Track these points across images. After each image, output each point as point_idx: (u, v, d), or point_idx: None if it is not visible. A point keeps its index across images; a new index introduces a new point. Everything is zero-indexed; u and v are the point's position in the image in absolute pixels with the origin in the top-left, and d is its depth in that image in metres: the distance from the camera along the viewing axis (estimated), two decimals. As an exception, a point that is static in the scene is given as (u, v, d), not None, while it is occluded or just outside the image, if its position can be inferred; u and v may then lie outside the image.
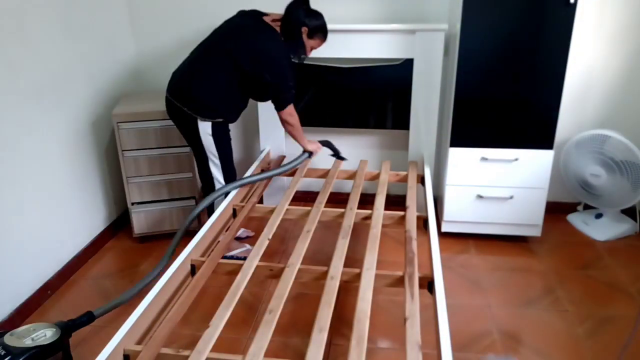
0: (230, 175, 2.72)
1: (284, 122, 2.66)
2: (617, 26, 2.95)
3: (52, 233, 2.64)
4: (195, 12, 3.30)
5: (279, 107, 2.59)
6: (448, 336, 1.54)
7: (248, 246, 2.92)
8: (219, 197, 2.58)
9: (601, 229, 3.07)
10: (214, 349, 1.53)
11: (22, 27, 2.38)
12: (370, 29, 2.99)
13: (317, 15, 2.56)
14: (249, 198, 2.61)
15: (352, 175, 2.97)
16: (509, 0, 2.56)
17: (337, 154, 3.05)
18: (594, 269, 2.76)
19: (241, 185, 2.65)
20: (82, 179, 2.88)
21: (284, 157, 3.25)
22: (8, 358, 1.73)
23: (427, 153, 3.15)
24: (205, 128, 2.52)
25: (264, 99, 2.72)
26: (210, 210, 2.68)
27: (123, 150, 2.89)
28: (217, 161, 2.63)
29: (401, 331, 2.27)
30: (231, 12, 3.26)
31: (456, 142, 2.85)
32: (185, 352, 1.50)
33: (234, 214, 2.52)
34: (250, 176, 2.72)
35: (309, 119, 3.31)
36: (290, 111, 2.61)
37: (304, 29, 2.51)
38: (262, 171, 2.88)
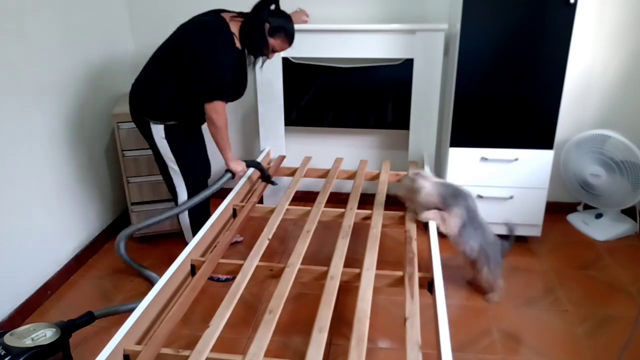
0: (194, 184, 2.61)
1: (207, 120, 2.40)
2: (617, 26, 2.95)
3: (52, 233, 2.64)
4: (195, 13, 3.29)
5: (206, 98, 2.35)
6: (448, 336, 1.54)
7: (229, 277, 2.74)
8: (174, 214, 2.52)
9: (601, 229, 3.07)
10: (213, 349, 1.53)
11: (22, 27, 2.38)
12: (370, 29, 2.99)
13: (283, 15, 2.46)
14: (249, 198, 2.61)
15: (352, 175, 2.97)
16: (509, 0, 2.56)
17: (266, 178, 2.77)
18: (594, 269, 2.75)
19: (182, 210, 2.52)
20: (82, 179, 2.88)
21: (284, 157, 3.25)
22: (8, 358, 1.73)
23: (427, 153, 3.15)
24: (158, 131, 2.43)
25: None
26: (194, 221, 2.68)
27: (123, 150, 2.89)
28: (176, 167, 2.53)
29: (401, 331, 2.27)
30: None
31: (456, 142, 2.85)
32: (185, 352, 1.50)
33: (234, 214, 2.52)
34: (187, 201, 2.52)
35: (309, 119, 3.31)
36: (217, 107, 2.36)
37: (266, 25, 2.39)
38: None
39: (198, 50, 2.28)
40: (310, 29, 3.03)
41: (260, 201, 3.29)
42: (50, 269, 2.63)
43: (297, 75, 3.19)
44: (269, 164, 3.22)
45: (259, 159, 3.10)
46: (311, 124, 3.33)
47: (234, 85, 2.47)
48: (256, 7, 2.40)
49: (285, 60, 3.15)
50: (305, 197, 3.54)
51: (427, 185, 2.31)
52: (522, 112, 2.74)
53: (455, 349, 2.18)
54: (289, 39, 2.48)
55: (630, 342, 2.20)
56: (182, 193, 2.59)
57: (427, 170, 2.46)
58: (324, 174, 2.99)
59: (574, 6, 2.52)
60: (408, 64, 3.06)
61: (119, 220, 3.26)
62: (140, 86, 2.44)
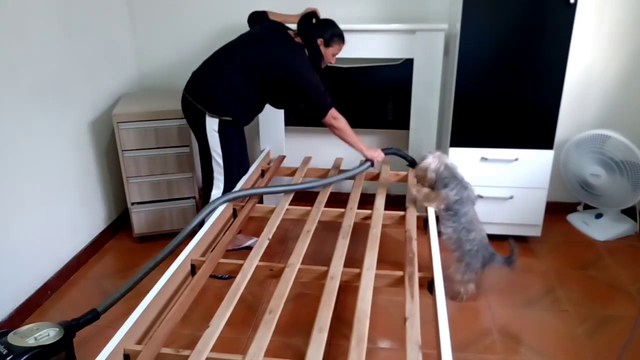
0: (232, 177, 2.71)
1: (330, 128, 2.62)
2: (617, 26, 2.95)
3: (52, 233, 2.64)
4: (196, 13, 3.30)
5: (319, 114, 2.57)
6: (448, 336, 1.54)
7: (255, 238, 2.89)
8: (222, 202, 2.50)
9: (601, 229, 3.08)
10: (214, 349, 1.53)
11: (22, 27, 2.38)
12: (370, 28, 3.00)
13: (328, 24, 2.65)
14: (249, 198, 2.61)
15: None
16: (509, 0, 2.56)
17: (411, 163, 2.79)
18: (594, 269, 2.76)
19: (247, 195, 2.54)
20: (82, 179, 2.88)
21: (284, 157, 3.25)
22: (10, 357, 1.73)
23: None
24: (212, 124, 2.54)
25: (291, 106, 2.89)
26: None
27: (123, 150, 2.89)
28: (220, 161, 2.64)
29: (401, 331, 2.26)
30: (232, 12, 3.28)
31: (456, 142, 2.85)
32: (185, 352, 1.50)
33: (234, 213, 2.52)
34: (276, 186, 2.61)
35: (309, 119, 3.31)
36: (334, 114, 2.57)
37: (320, 41, 2.61)
38: (303, 181, 2.70)
39: (294, 69, 2.52)
40: (311, 29, 3.03)
41: (260, 201, 3.30)
42: (50, 268, 2.63)
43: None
44: (268, 164, 3.22)
45: (259, 159, 3.10)
46: (311, 124, 3.33)
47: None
48: (302, 27, 2.63)
49: (285, 60, 3.15)
50: (305, 197, 3.53)
51: (431, 162, 2.42)
52: (522, 112, 2.74)
53: (455, 349, 2.18)
54: (342, 39, 2.69)
55: (630, 342, 2.20)
56: (219, 184, 2.69)
57: (447, 156, 2.53)
58: (324, 174, 2.99)
59: (574, 6, 2.52)
60: (408, 64, 3.06)
61: (119, 220, 3.26)
62: (207, 82, 2.55)
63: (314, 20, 2.66)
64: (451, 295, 2.48)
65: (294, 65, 2.52)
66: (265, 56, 2.52)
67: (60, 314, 2.47)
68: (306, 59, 2.58)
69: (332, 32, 2.63)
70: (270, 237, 2.18)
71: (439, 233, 2.32)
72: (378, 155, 2.72)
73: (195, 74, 2.61)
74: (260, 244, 2.11)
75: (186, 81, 2.62)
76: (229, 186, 2.70)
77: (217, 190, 2.70)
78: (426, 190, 2.44)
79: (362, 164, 2.71)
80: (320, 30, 2.63)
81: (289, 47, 2.58)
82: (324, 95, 2.55)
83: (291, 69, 2.52)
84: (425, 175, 2.43)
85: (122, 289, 2.13)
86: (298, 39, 2.63)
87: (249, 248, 2.80)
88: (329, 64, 2.74)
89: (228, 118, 2.56)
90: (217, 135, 2.57)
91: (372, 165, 2.73)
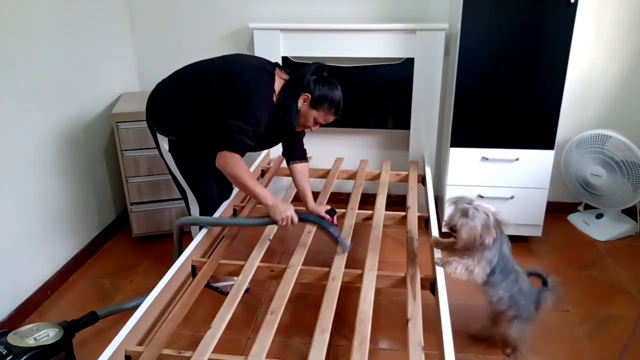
0: (206, 202, 2.40)
1: (221, 169, 2.06)
2: (618, 26, 2.95)
3: (51, 233, 2.63)
4: (195, 12, 3.29)
5: (220, 146, 2.04)
6: (451, 337, 1.54)
7: (232, 281, 2.48)
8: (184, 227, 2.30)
9: (602, 229, 3.07)
10: (215, 350, 1.52)
11: (22, 27, 2.37)
12: (370, 28, 2.99)
13: (329, 83, 2.16)
14: (250, 198, 2.61)
15: (352, 176, 2.96)
16: (510, 0, 2.55)
17: (335, 239, 2.12)
18: (595, 269, 2.75)
19: (206, 224, 2.29)
20: (82, 179, 2.87)
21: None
22: (10, 357, 1.72)
23: (428, 153, 3.15)
24: (162, 142, 2.26)
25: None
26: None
27: (122, 150, 2.88)
28: (183, 182, 2.34)
29: (402, 332, 2.26)
30: (232, 12, 3.26)
31: (457, 142, 2.84)
32: (187, 353, 1.50)
33: (235, 214, 2.51)
34: (217, 219, 2.32)
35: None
36: (228, 159, 2.01)
37: (305, 96, 2.12)
38: (234, 214, 2.52)
39: (242, 85, 2.07)
40: (311, 28, 3.03)
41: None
42: (49, 268, 2.62)
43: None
44: (268, 164, 3.21)
45: (259, 159, 3.09)
46: (311, 124, 3.33)
47: (260, 139, 2.15)
48: (299, 73, 2.14)
49: (285, 60, 3.15)
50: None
51: (477, 225, 1.85)
52: (522, 112, 2.74)
53: (456, 349, 2.16)
54: (335, 109, 2.18)
55: (630, 342, 2.19)
56: (195, 210, 2.42)
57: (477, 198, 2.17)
58: (325, 174, 2.98)
59: (574, 6, 2.52)
60: (409, 63, 3.05)
61: (119, 220, 3.26)
62: (157, 98, 2.25)
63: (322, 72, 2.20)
64: (511, 352, 2.15)
65: (243, 81, 2.08)
66: (218, 67, 2.16)
67: (60, 314, 2.46)
68: (269, 95, 2.09)
69: (327, 95, 2.12)
70: (271, 237, 2.18)
71: (489, 298, 2.02)
72: (286, 218, 2.06)
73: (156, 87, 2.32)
74: (262, 245, 2.11)
75: None
76: (206, 210, 2.40)
77: (195, 208, 2.42)
78: (464, 262, 1.92)
79: (264, 217, 2.14)
80: (317, 84, 2.12)
81: (255, 71, 2.13)
82: (244, 134, 2.01)
83: (238, 83, 2.07)
84: (468, 239, 1.87)
85: (126, 305, 2.14)
86: (281, 77, 2.18)
87: (223, 292, 2.54)
88: (305, 129, 2.28)
89: (172, 138, 2.23)
90: (170, 155, 2.26)
91: (275, 223, 2.10)
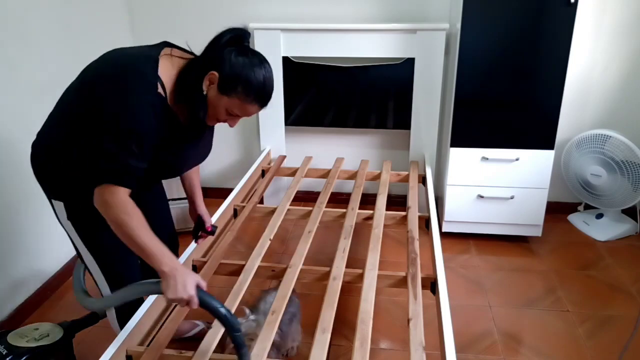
0: (118, 281, 1.71)
1: (100, 209, 1.42)
2: (618, 26, 2.95)
3: (52, 233, 2.63)
4: (196, 13, 3.29)
5: (96, 179, 1.41)
6: (452, 337, 1.54)
7: (201, 324, 2.28)
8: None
9: (602, 229, 3.07)
10: (216, 350, 1.52)
11: (22, 27, 2.37)
12: (371, 28, 2.99)
13: (248, 57, 1.46)
14: (250, 198, 2.61)
15: (352, 176, 2.96)
16: (510, 0, 2.56)
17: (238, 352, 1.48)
18: (595, 269, 2.76)
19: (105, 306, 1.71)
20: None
21: (284, 157, 3.24)
22: (10, 357, 1.72)
23: (428, 153, 3.15)
24: (59, 209, 1.64)
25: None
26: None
27: (123, 150, 2.87)
28: (93, 262, 1.71)
29: (402, 332, 2.27)
30: (232, 12, 3.26)
31: (457, 142, 2.84)
32: (188, 353, 1.50)
33: (235, 214, 2.51)
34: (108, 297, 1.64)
35: (310, 119, 3.31)
36: (108, 196, 1.39)
37: (213, 75, 1.44)
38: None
39: (102, 101, 1.42)
40: (312, 28, 3.03)
41: (261, 201, 3.29)
42: (50, 268, 2.62)
43: (297, 74, 3.19)
44: (269, 164, 3.22)
45: (259, 159, 3.08)
46: (311, 124, 3.33)
47: (159, 156, 1.50)
48: (210, 48, 1.51)
49: (285, 60, 3.15)
50: (305, 197, 3.53)
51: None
52: (522, 112, 2.74)
53: (456, 349, 2.18)
54: (256, 95, 1.47)
55: (630, 342, 2.20)
56: (105, 289, 1.76)
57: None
58: (325, 174, 2.99)
59: (574, 6, 2.52)
60: (409, 63, 3.05)
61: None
62: (35, 147, 1.64)
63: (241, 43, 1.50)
64: None
65: (106, 80, 1.45)
66: (88, 71, 1.58)
67: (60, 314, 2.46)
68: (149, 85, 1.42)
69: (242, 74, 1.43)
70: (271, 237, 2.18)
71: None
72: (181, 300, 1.38)
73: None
74: (262, 245, 2.11)
75: None
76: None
77: (105, 290, 1.77)
78: None
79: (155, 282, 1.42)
80: (228, 57, 1.44)
81: (121, 61, 1.53)
82: (128, 156, 1.38)
83: (97, 88, 1.46)
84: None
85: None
86: (181, 57, 1.57)
87: (194, 338, 2.21)
88: (218, 122, 1.57)
89: (67, 200, 1.62)
90: (70, 223, 1.64)
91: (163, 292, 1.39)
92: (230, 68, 1.43)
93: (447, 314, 1.63)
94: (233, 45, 1.46)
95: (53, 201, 1.63)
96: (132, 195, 1.42)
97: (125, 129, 1.36)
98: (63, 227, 1.69)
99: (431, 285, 1.90)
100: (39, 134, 1.63)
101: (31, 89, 2.45)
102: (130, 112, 1.37)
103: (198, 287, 1.39)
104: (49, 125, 1.61)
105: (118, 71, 1.45)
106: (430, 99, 3.07)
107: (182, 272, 1.37)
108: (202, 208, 1.94)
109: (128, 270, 1.73)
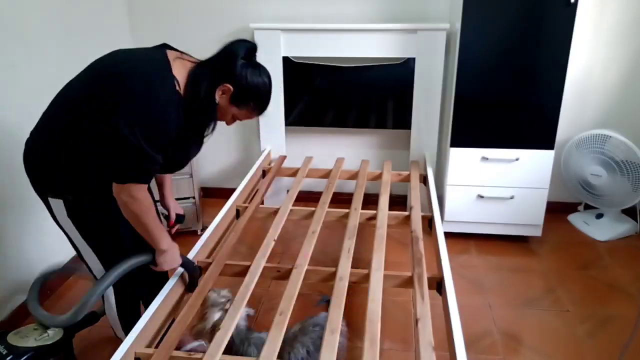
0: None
1: (120, 204, 1.56)
2: (618, 26, 2.96)
3: (52, 233, 2.61)
4: (196, 13, 3.27)
5: (118, 178, 1.52)
6: (461, 337, 1.55)
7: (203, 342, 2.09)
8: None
9: (602, 229, 3.09)
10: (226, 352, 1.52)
11: (22, 27, 2.35)
12: (371, 28, 2.99)
13: (258, 74, 1.64)
14: (252, 199, 2.60)
15: (353, 176, 2.96)
16: (509, 0, 2.56)
17: (191, 284, 1.90)
18: (595, 269, 2.77)
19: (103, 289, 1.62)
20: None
21: (284, 157, 3.24)
22: (10, 357, 1.71)
23: (429, 153, 3.15)
24: (58, 208, 1.67)
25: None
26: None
27: (123, 150, 2.86)
28: (92, 255, 1.78)
29: (407, 332, 2.27)
30: (233, 12, 3.25)
31: (457, 142, 2.85)
32: (197, 355, 1.49)
33: (237, 215, 2.50)
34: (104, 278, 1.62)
35: (310, 119, 3.30)
36: (135, 192, 1.53)
37: (226, 87, 1.57)
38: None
39: (125, 100, 1.46)
40: (312, 28, 3.03)
41: (261, 202, 3.28)
42: (49, 269, 2.60)
43: (297, 74, 3.19)
44: (269, 164, 3.21)
45: (260, 160, 3.08)
46: (312, 124, 3.33)
47: (169, 152, 1.58)
48: (223, 58, 1.61)
49: (285, 60, 3.14)
50: (306, 198, 3.52)
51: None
52: (522, 112, 2.75)
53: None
54: (261, 107, 1.70)
55: (630, 342, 2.21)
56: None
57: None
58: (326, 175, 2.98)
59: (574, 6, 2.53)
60: (409, 63, 3.06)
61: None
62: (31, 148, 1.65)
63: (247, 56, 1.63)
64: None
65: (131, 79, 1.50)
66: (101, 84, 1.54)
67: (60, 314, 2.43)
68: (170, 86, 1.51)
69: (256, 91, 1.62)
70: (276, 238, 2.17)
71: None
72: (174, 263, 1.74)
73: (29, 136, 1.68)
74: (267, 245, 2.10)
75: None
76: (121, 286, 1.86)
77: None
78: None
79: (146, 255, 1.70)
80: (244, 73, 1.58)
81: (142, 61, 1.60)
82: (148, 161, 1.50)
83: (124, 86, 1.48)
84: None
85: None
86: (185, 60, 1.64)
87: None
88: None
89: (68, 197, 1.66)
90: (69, 221, 1.69)
91: (154, 264, 1.71)
92: (247, 85, 1.58)
93: (455, 314, 1.64)
94: (245, 58, 1.59)
95: (50, 200, 1.66)
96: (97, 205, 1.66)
97: (156, 126, 1.47)
98: (60, 225, 1.72)
99: (437, 285, 1.90)
100: (36, 132, 1.65)
101: (31, 88, 2.43)
102: (160, 111, 1.47)
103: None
104: (49, 123, 1.63)
105: (139, 71, 1.52)
106: (431, 99, 3.08)
107: (173, 248, 1.71)
108: (169, 201, 2.03)
109: (126, 251, 1.73)
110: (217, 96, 1.58)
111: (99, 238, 1.75)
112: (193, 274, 1.86)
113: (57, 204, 1.66)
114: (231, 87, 1.57)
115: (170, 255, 1.70)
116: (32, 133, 1.66)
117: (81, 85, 1.59)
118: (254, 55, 1.65)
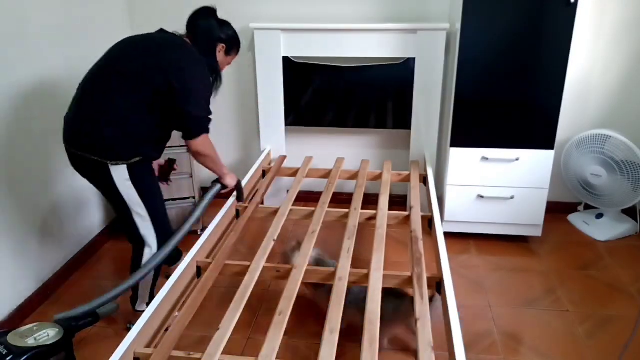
0: (164, 231, 2.17)
1: (195, 154, 2.11)
2: (618, 26, 2.96)
3: (51, 232, 2.61)
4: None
5: (191, 135, 2.02)
6: (460, 337, 1.55)
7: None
8: (155, 266, 2.01)
9: (602, 229, 3.09)
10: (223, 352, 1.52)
11: (22, 27, 2.35)
12: (371, 28, 2.99)
13: (229, 26, 2.24)
14: (251, 199, 2.60)
15: (353, 176, 2.96)
16: (509, 0, 2.56)
17: (239, 198, 2.51)
18: (595, 269, 2.77)
19: (177, 243, 2.07)
20: (82, 179, 2.85)
21: (284, 157, 3.24)
22: (10, 357, 1.71)
23: (429, 153, 3.15)
24: (120, 174, 1.97)
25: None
26: (156, 274, 2.27)
27: (123, 150, 2.86)
28: (145, 213, 2.08)
29: (405, 331, 2.26)
30: (233, 12, 3.25)
31: (457, 142, 2.85)
32: (197, 355, 1.49)
33: (237, 214, 2.51)
34: (181, 229, 2.10)
35: (310, 119, 3.30)
36: (204, 141, 2.05)
37: (221, 47, 2.20)
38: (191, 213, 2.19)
39: (191, 82, 1.96)
40: (312, 28, 3.03)
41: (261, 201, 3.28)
42: (50, 269, 2.61)
43: (297, 75, 3.19)
44: (269, 164, 3.21)
45: (260, 160, 3.08)
46: (312, 124, 3.33)
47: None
48: (200, 24, 2.15)
49: (285, 60, 3.14)
50: (306, 198, 3.53)
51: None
52: (522, 112, 2.75)
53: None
54: (239, 47, 2.32)
55: (630, 342, 2.21)
56: (153, 242, 2.15)
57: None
58: (326, 175, 2.98)
59: (574, 6, 2.53)
60: (409, 63, 3.06)
61: (119, 219, 3.24)
62: (90, 125, 1.93)
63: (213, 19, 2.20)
64: None
65: (189, 71, 1.97)
66: (157, 62, 1.94)
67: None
68: (206, 70, 2.07)
69: (235, 38, 2.25)
70: (275, 238, 2.17)
71: None
72: (232, 180, 2.36)
73: (71, 120, 1.99)
74: (266, 245, 2.10)
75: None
76: (163, 237, 2.15)
77: (149, 249, 2.16)
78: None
79: (213, 186, 2.32)
80: (224, 33, 2.18)
81: (184, 51, 2.02)
82: (208, 116, 2.05)
83: (184, 75, 1.94)
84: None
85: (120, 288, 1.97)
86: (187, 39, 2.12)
87: None
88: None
89: (137, 158, 1.99)
90: (131, 184, 2.00)
91: (224, 188, 2.36)
92: (230, 38, 2.20)
93: (454, 314, 1.64)
94: (217, 22, 2.17)
95: (112, 167, 1.93)
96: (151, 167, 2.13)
97: (208, 87, 2.07)
98: (117, 190, 1.99)
99: (437, 285, 1.90)
100: (92, 114, 1.92)
101: (31, 88, 2.43)
102: (207, 76, 2.07)
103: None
104: (105, 100, 1.93)
105: (178, 42, 2.03)
106: (431, 99, 3.08)
107: (231, 173, 2.35)
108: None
109: (165, 211, 2.21)
110: (218, 56, 2.17)
111: (153, 199, 2.10)
112: (240, 189, 2.45)
113: (119, 170, 1.95)
114: (224, 45, 2.18)
115: (231, 175, 2.34)
116: (85, 112, 1.94)
117: (129, 61, 1.97)
118: (216, 13, 2.19)
